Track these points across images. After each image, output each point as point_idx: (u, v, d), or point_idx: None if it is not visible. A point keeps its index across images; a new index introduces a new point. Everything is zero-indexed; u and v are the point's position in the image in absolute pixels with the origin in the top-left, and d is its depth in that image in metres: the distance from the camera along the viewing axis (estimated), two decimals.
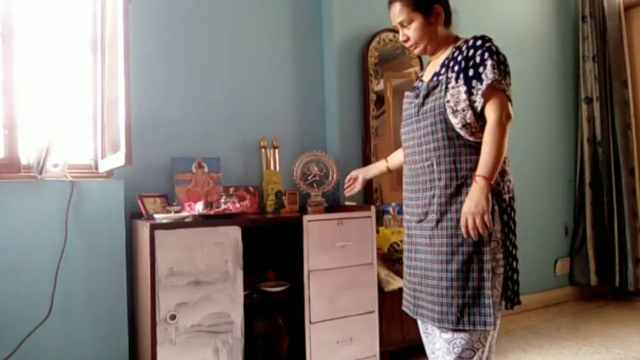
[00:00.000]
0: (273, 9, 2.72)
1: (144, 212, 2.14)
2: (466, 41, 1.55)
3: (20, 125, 2.07)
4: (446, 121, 1.49)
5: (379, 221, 2.65)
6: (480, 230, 1.42)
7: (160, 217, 1.97)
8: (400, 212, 2.75)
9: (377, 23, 2.82)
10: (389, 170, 2.00)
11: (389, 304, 2.34)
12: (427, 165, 1.55)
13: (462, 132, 1.48)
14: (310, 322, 2.15)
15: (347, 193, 2.11)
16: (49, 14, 2.28)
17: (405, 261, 1.68)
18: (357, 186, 2.06)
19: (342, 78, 2.76)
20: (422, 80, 1.68)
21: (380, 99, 2.86)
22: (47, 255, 1.98)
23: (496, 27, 3.43)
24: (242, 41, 2.61)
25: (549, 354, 2.58)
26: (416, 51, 1.65)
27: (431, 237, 1.53)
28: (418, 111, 1.58)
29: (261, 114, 2.64)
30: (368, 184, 2.75)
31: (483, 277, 1.45)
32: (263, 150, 2.59)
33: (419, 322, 1.67)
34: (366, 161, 2.76)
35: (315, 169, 2.56)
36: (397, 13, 1.60)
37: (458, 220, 1.47)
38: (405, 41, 1.64)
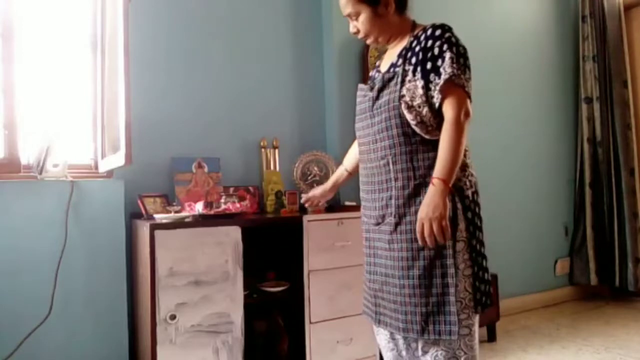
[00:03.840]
0: (273, 8, 2.72)
1: (144, 212, 2.14)
2: (424, 29, 1.43)
3: (20, 125, 2.07)
4: (401, 116, 1.38)
5: None
6: (438, 238, 1.31)
7: (160, 217, 1.97)
8: None
9: None
10: (350, 174, 1.84)
11: None
12: (382, 164, 1.44)
13: (417, 129, 1.37)
14: (310, 322, 2.15)
15: (310, 208, 2.03)
16: (49, 14, 2.28)
17: (365, 266, 1.57)
18: (317, 201, 1.93)
19: (342, 78, 2.76)
20: (379, 71, 1.57)
21: None
22: (47, 255, 1.98)
23: (496, 27, 3.44)
24: (242, 41, 2.61)
25: (549, 354, 2.58)
26: (368, 42, 1.56)
27: (390, 242, 1.42)
28: (372, 105, 1.47)
29: (261, 114, 2.64)
30: None
31: (447, 283, 1.35)
32: (263, 150, 2.59)
33: (377, 329, 1.57)
34: None
35: (315, 169, 2.56)
36: (344, 5, 1.50)
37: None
38: (355, 33, 1.54)
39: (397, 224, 1.41)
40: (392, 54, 1.53)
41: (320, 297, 2.16)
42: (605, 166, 3.57)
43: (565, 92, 3.79)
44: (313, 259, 2.16)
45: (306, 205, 1.98)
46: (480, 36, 3.28)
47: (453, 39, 1.37)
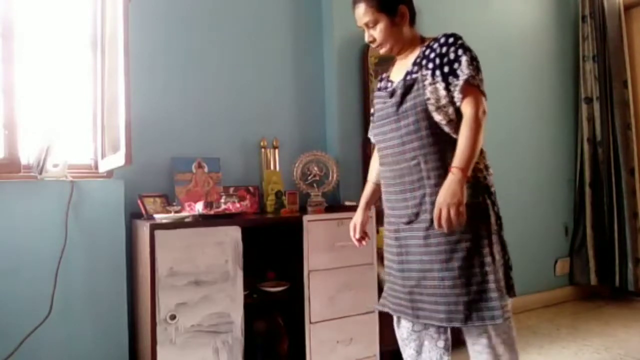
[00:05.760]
0: (273, 8, 2.72)
1: (144, 212, 2.14)
2: (436, 39, 1.54)
3: (20, 125, 2.07)
4: (429, 118, 1.48)
5: (379, 221, 2.64)
6: (454, 222, 1.37)
7: (160, 217, 1.97)
8: None
9: None
10: (379, 186, 1.81)
11: None
12: (413, 165, 1.52)
13: (446, 129, 1.48)
14: (310, 322, 2.15)
15: (361, 246, 1.85)
16: (49, 13, 2.28)
17: (393, 265, 1.63)
18: (362, 227, 1.81)
19: (342, 78, 2.76)
20: (390, 81, 1.67)
21: None
22: (47, 255, 1.98)
23: (496, 27, 3.44)
24: (242, 41, 2.61)
25: (549, 354, 2.58)
26: (382, 51, 1.65)
27: (426, 237, 1.50)
28: (397, 110, 1.55)
29: (261, 113, 2.64)
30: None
31: (486, 272, 1.45)
32: (263, 150, 2.59)
33: (406, 323, 1.64)
34: (366, 161, 2.75)
35: (315, 169, 2.55)
36: (362, 14, 1.58)
37: None
38: (371, 42, 1.63)
39: (432, 220, 1.46)
40: (404, 64, 1.63)
41: (320, 297, 2.16)
42: (605, 166, 3.56)
43: (565, 92, 3.79)
44: (313, 259, 2.16)
45: (357, 236, 1.81)
46: (480, 36, 3.27)
47: (466, 45, 1.50)
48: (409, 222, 1.55)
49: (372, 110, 1.84)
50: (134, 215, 2.20)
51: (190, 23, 2.48)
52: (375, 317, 2.29)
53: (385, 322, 2.33)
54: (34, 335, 1.92)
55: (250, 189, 2.51)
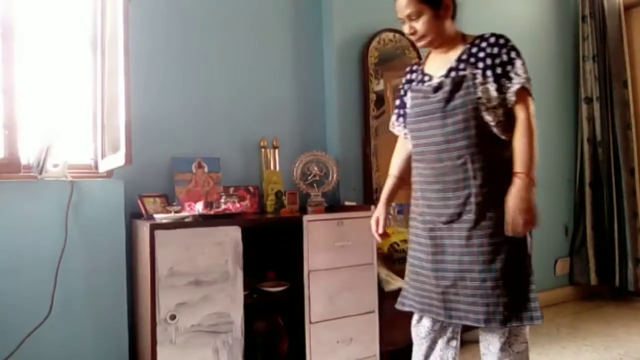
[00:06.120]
0: (273, 8, 2.72)
1: (144, 212, 2.14)
2: (483, 38, 1.53)
3: (20, 125, 2.07)
4: (479, 117, 1.47)
5: None
6: (527, 229, 1.43)
7: (160, 217, 1.97)
8: (400, 212, 2.75)
9: (377, 23, 2.82)
10: (402, 179, 1.82)
11: (389, 304, 2.33)
12: (459, 164, 1.49)
13: (495, 130, 1.48)
14: (310, 322, 2.15)
15: (381, 238, 1.81)
16: (49, 13, 2.28)
17: (425, 264, 1.59)
18: (381, 229, 1.77)
19: (342, 78, 2.76)
20: (426, 74, 1.64)
21: (380, 99, 2.86)
22: (47, 255, 1.98)
23: (496, 27, 3.40)
24: (242, 41, 2.61)
25: (549, 354, 2.58)
26: (421, 44, 1.60)
27: (469, 238, 1.48)
28: (444, 107, 1.52)
29: (261, 113, 2.64)
30: (368, 185, 2.76)
31: (528, 273, 1.48)
32: (263, 150, 2.59)
33: (427, 322, 1.64)
34: (366, 161, 2.76)
35: (315, 169, 2.55)
36: (405, 5, 1.54)
37: (498, 219, 1.45)
38: (412, 34, 1.58)
39: (476, 221, 1.47)
40: (445, 59, 1.60)
41: (320, 297, 2.16)
42: (605, 166, 3.56)
43: (565, 92, 3.79)
44: (313, 259, 2.16)
45: (379, 232, 1.78)
46: None
47: (516, 47, 1.51)
48: (449, 222, 1.53)
49: (397, 103, 1.80)
50: (134, 215, 2.20)
51: (190, 23, 2.47)
52: (375, 317, 2.29)
53: (385, 322, 2.34)
54: (34, 335, 1.92)
55: (250, 189, 2.51)
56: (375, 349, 2.29)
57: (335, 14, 2.74)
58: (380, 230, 1.76)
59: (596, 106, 3.61)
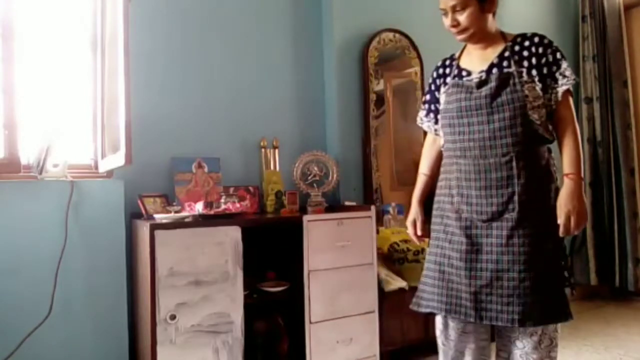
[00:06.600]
0: (273, 9, 2.72)
1: (144, 212, 2.14)
2: (526, 37, 1.54)
3: (20, 125, 2.07)
4: (525, 115, 1.46)
5: (379, 221, 2.65)
6: (580, 228, 1.45)
7: (160, 217, 1.97)
8: (400, 212, 2.74)
9: (377, 23, 2.82)
10: (432, 178, 1.75)
11: (389, 304, 2.34)
12: (504, 162, 1.47)
13: (539, 129, 1.48)
14: (310, 322, 2.15)
15: (419, 240, 1.77)
16: (49, 13, 2.28)
17: (458, 262, 1.52)
18: (420, 231, 1.73)
19: (342, 78, 2.76)
20: (464, 69, 1.60)
21: (380, 99, 2.86)
22: (47, 255, 1.98)
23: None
24: (242, 41, 2.61)
25: None
26: (460, 37, 1.56)
27: (510, 237, 1.45)
28: (490, 102, 1.48)
29: (261, 113, 2.64)
30: (368, 185, 2.76)
31: (565, 273, 1.49)
32: (263, 150, 2.59)
33: (456, 325, 1.57)
34: (366, 161, 2.76)
35: (315, 169, 2.55)
36: None
37: (542, 218, 1.46)
38: (454, 26, 1.54)
39: (519, 220, 1.45)
40: (484, 55, 1.58)
41: (320, 297, 2.16)
42: (605, 166, 3.56)
43: None
44: (313, 259, 2.16)
45: (418, 235, 1.73)
46: None
47: (560, 49, 1.54)
48: (489, 220, 1.49)
49: (427, 98, 1.74)
50: (134, 215, 2.20)
51: (190, 23, 2.47)
52: (375, 317, 2.29)
53: (385, 322, 2.34)
54: (34, 335, 1.92)
55: (250, 189, 2.51)
56: (375, 349, 2.29)
57: (335, 14, 2.74)
58: (419, 233, 1.72)
59: (596, 106, 3.61)
